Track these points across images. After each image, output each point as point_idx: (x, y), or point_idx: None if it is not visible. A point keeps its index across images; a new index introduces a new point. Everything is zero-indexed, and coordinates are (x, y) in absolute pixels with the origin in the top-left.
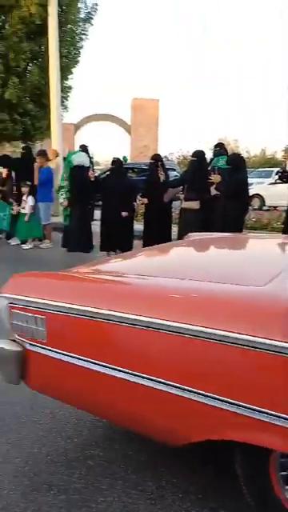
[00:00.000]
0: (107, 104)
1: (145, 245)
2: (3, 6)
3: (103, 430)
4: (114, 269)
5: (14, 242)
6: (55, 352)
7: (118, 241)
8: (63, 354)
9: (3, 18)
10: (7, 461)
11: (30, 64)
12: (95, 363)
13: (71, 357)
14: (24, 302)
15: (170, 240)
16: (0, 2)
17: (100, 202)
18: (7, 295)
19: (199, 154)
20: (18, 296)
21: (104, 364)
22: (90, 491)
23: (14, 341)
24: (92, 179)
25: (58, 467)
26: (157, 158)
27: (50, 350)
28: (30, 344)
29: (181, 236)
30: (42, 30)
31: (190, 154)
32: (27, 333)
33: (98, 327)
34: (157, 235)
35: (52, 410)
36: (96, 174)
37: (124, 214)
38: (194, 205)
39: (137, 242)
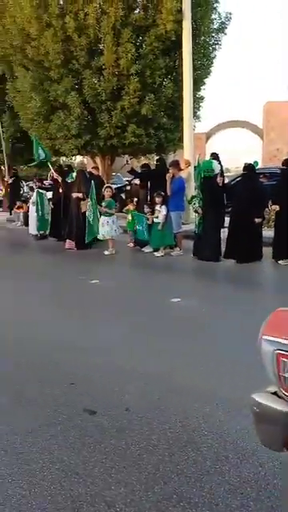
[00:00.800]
0: (238, 110)
1: (275, 253)
2: (141, 26)
3: (234, 446)
4: None
5: (148, 249)
6: None
7: (247, 248)
8: None
9: (141, 38)
10: (139, 465)
11: (165, 79)
12: None
13: None
14: None
15: None
16: (139, 24)
17: (229, 209)
18: (274, 339)
19: None
20: None
21: None
22: (219, 509)
23: (276, 395)
24: (220, 185)
25: (187, 478)
26: None
27: None
28: None
29: None
30: (177, 45)
31: None
32: None
33: None
34: None
35: (181, 419)
36: (226, 181)
37: (258, 220)
38: None
39: (266, 250)
